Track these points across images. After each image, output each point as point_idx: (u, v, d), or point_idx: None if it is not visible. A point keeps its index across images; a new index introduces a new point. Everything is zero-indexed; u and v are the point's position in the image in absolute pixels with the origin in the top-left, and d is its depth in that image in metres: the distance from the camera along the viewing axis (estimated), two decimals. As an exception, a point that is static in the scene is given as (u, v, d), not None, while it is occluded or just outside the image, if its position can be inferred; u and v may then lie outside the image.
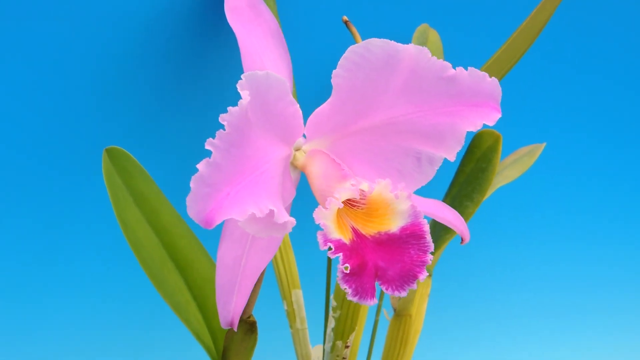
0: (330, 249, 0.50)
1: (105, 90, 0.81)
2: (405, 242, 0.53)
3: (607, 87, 1.27)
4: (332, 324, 0.84)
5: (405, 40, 0.97)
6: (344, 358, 0.85)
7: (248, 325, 0.68)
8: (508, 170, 1.04)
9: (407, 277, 0.52)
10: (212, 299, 0.75)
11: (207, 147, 0.47)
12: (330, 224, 0.51)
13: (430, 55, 0.53)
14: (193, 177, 0.45)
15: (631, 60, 1.28)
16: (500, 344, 1.44)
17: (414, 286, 0.52)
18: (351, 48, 0.53)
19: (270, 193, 0.50)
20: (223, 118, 0.47)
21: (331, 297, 0.85)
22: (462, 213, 0.82)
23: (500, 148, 0.84)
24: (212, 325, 0.75)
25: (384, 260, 0.52)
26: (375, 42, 0.53)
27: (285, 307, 0.91)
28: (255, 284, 0.65)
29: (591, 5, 1.19)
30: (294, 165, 0.57)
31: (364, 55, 0.53)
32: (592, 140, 1.31)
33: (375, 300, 0.51)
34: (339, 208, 0.52)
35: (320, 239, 0.51)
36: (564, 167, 1.29)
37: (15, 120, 0.80)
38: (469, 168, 0.86)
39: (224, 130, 0.47)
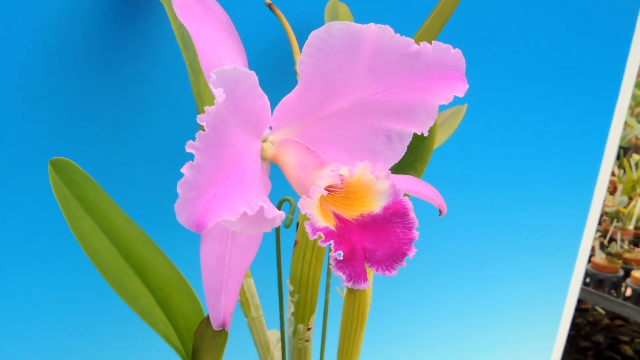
0: (320, 237, 0.50)
1: (38, 100, 0.78)
2: (389, 221, 0.53)
3: (525, 47, 1.31)
4: (291, 308, 0.84)
5: (318, 16, 0.97)
6: (307, 340, 0.86)
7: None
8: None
9: (396, 256, 0.52)
10: (175, 300, 0.74)
11: (187, 149, 0.46)
12: (316, 212, 0.51)
13: (393, 33, 0.53)
14: (179, 183, 0.45)
15: (547, 18, 1.32)
16: (432, 308, 1.47)
17: (404, 264, 0.52)
18: (313, 33, 0.52)
19: (256, 189, 0.50)
20: (201, 119, 0.46)
21: (287, 281, 0.85)
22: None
23: (437, 130, 0.85)
24: (178, 327, 0.74)
25: (371, 241, 0.52)
26: (336, 24, 0.52)
27: (239, 298, 0.90)
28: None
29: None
30: (262, 157, 0.57)
31: (325, 40, 0.52)
32: (513, 98, 1.34)
33: (369, 283, 0.51)
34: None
35: (308, 228, 0.50)
36: (488, 126, 1.31)
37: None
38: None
39: (203, 131, 0.46)
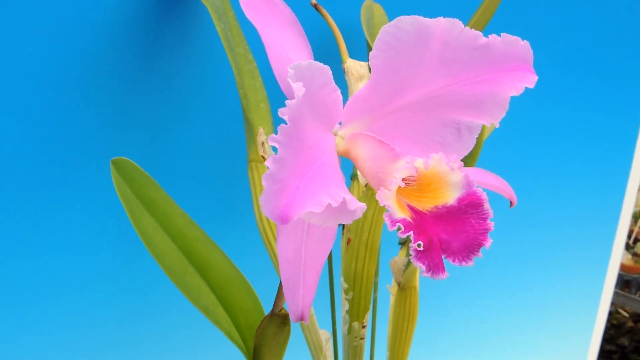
0: (399, 228, 0.51)
1: (103, 101, 0.80)
2: (464, 212, 0.53)
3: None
4: (345, 306, 0.85)
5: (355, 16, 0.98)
6: (361, 338, 0.86)
7: (281, 319, 0.68)
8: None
9: (472, 247, 0.52)
10: (236, 299, 0.74)
11: (270, 143, 0.47)
12: (394, 204, 0.52)
13: (462, 27, 0.53)
14: (264, 176, 0.45)
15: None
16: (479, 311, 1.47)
17: (480, 255, 0.53)
18: (383, 28, 0.53)
19: (337, 181, 0.50)
20: (282, 112, 0.47)
21: (341, 280, 0.86)
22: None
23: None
24: (239, 324, 0.75)
25: (447, 233, 0.52)
26: (405, 19, 0.53)
27: (307, 323, 0.91)
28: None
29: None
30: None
31: (395, 34, 0.53)
32: (546, 96, 1.34)
33: (447, 274, 0.52)
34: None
35: (387, 220, 0.51)
36: (521, 127, 1.32)
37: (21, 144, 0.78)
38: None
39: (285, 124, 0.47)
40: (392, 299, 0.96)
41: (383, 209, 0.85)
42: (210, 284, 0.74)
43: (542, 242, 1.57)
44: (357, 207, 0.50)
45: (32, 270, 0.83)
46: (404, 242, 1.01)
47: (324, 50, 0.94)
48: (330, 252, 0.84)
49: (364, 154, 0.55)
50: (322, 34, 0.92)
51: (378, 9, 1.08)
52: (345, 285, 0.85)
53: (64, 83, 0.78)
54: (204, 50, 0.90)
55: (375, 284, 0.98)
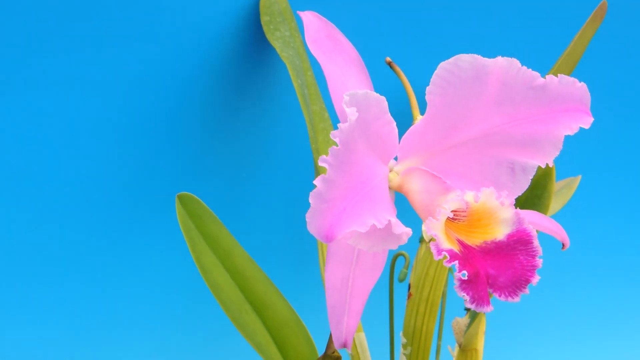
0: (445, 257, 0.51)
1: (163, 133, 0.83)
2: (513, 248, 0.53)
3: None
4: (403, 360, 0.84)
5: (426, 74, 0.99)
6: (417, 394, 0.85)
7: (332, 361, 0.68)
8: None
9: (519, 283, 0.52)
10: (292, 341, 0.75)
11: (320, 164, 0.48)
12: (441, 234, 0.52)
13: (519, 66, 0.54)
14: (311, 194, 0.46)
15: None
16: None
17: (526, 291, 0.52)
18: (441, 65, 0.54)
19: (385, 205, 0.51)
20: (334, 135, 0.48)
21: (400, 334, 0.85)
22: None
23: (554, 174, 0.85)
24: (291, 366, 0.75)
25: (494, 268, 0.52)
26: (463, 57, 0.54)
27: (349, 352, 0.90)
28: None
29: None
30: (388, 187, 0.58)
31: (453, 72, 0.54)
32: (629, 171, 1.33)
33: (492, 308, 0.52)
34: (447, 219, 0.53)
35: (433, 249, 0.51)
36: (602, 198, 1.30)
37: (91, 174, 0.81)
38: (523, 197, 0.87)
39: (336, 147, 0.48)
40: (453, 361, 0.95)
41: (445, 267, 0.85)
42: (266, 324, 0.75)
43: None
44: (403, 231, 0.50)
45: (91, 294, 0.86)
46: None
47: (395, 107, 0.96)
48: (392, 306, 0.84)
49: (416, 187, 0.56)
50: (393, 91, 0.93)
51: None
52: (404, 340, 0.84)
53: (154, 126, 0.83)
54: (281, 105, 0.92)
55: (439, 345, 0.97)
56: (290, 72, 0.83)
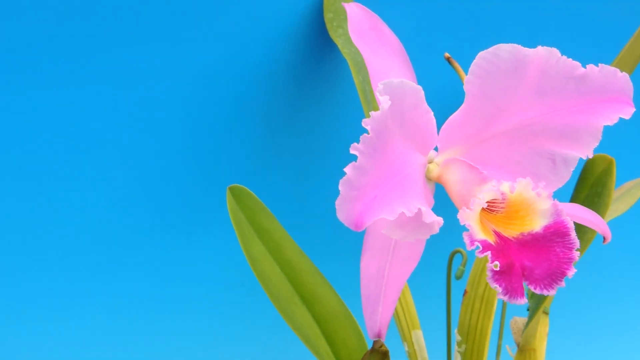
0: (478, 248, 0.50)
1: (226, 129, 0.84)
2: (550, 240, 0.53)
3: None
4: (458, 359, 0.84)
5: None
6: (473, 393, 0.84)
7: (380, 355, 0.68)
8: (617, 203, 1.03)
9: (554, 275, 0.52)
10: (340, 334, 0.75)
11: (351, 151, 0.48)
12: (475, 224, 0.51)
13: (559, 56, 0.53)
14: (341, 181, 0.46)
15: None
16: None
17: (562, 284, 0.52)
18: (480, 54, 0.54)
19: (416, 194, 0.51)
20: (366, 123, 0.48)
21: (454, 331, 0.85)
22: (580, 240, 0.81)
23: (615, 172, 0.83)
24: (340, 358, 0.75)
25: (530, 259, 0.52)
26: (503, 47, 0.53)
27: (406, 349, 0.90)
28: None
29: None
30: (428, 178, 0.58)
31: (492, 61, 0.53)
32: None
33: (525, 300, 0.51)
34: (482, 210, 0.52)
35: (466, 239, 0.51)
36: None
37: (144, 164, 0.83)
38: (583, 194, 0.86)
39: (367, 134, 0.48)
40: (511, 361, 0.94)
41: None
42: (315, 316, 0.75)
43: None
44: (434, 220, 0.50)
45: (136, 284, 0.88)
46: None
47: (453, 103, 0.95)
48: (449, 304, 0.84)
49: (454, 178, 0.56)
50: (451, 86, 0.93)
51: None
52: (459, 338, 0.84)
53: (218, 121, 0.84)
54: (341, 101, 0.93)
55: (499, 345, 0.96)
56: (352, 69, 0.83)
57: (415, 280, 0.88)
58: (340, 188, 0.46)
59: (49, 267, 0.85)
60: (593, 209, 0.80)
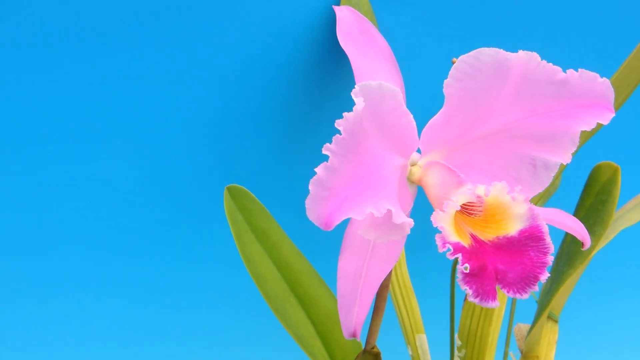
0: (449, 250, 0.51)
1: (224, 129, 0.85)
2: (524, 244, 0.53)
3: None
4: (457, 363, 0.84)
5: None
6: (473, 398, 0.84)
7: (372, 357, 0.69)
8: (630, 213, 1.01)
9: (527, 279, 0.52)
10: (335, 335, 0.76)
11: (324, 152, 0.48)
12: (448, 227, 0.52)
13: (539, 60, 0.53)
14: (311, 181, 0.47)
15: None
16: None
17: (535, 288, 0.52)
18: (461, 58, 0.54)
19: (388, 195, 0.51)
20: (339, 124, 0.49)
21: (456, 336, 0.85)
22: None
23: (620, 180, 0.83)
24: (335, 359, 0.76)
25: (504, 263, 0.52)
26: (485, 51, 0.53)
27: (410, 352, 0.90)
28: (376, 313, 0.65)
29: None
30: (410, 180, 0.58)
31: (474, 65, 0.53)
32: None
33: (497, 303, 0.51)
34: (457, 213, 0.53)
35: (438, 241, 0.51)
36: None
37: (141, 161, 0.84)
38: (588, 202, 0.85)
39: (340, 135, 0.48)
40: (514, 368, 0.94)
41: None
42: (311, 317, 0.76)
43: None
44: (404, 221, 0.50)
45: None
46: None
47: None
48: (453, 309, 0.84)
49: (432, 181, 0.56)
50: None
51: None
52: (459, 342, 0.84)
53: (220, 122, 0.86)
54: (350, 102, 0.93)
55: (505, 352, 0.96)
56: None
57: (420, 284, 0.89)
58: (310, 188, 0.47)
59: (52, 266, 0.87)
60: (598, 217, 0.80)
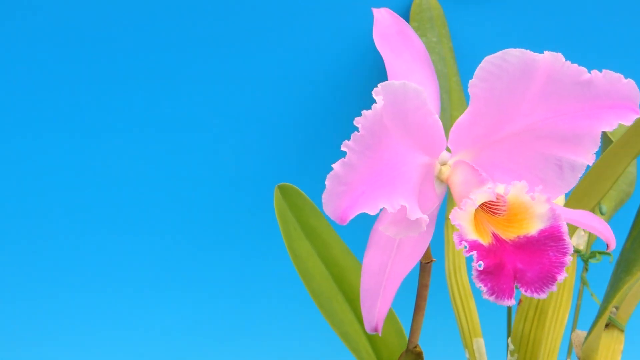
0: (465, 247, 0.51)
1: (276, 128, 0.87)
2: (543, 244, 0.53)
3: None
4: (510, 367, 0.84)
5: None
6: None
7: (414, 356, 0.69)
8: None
9: (545, 279, 0.52)
10: (382, 332, 0.76)
11: (342, 148, 0.49)
12: (466, 225, 0.52)
13: (564, 61, 0.53)
14: (328, 175, 0.48)
15: None
16: None
17: (554, 288, 0.52)
18: (487, 58, 0.54)
19: (405, 192, 0.52)
20: (358, 121, 0.50)
21: (508, 340, 0.85)
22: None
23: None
24: (381, 357, 0.77)
25: (523, 262, 0.52)
26: (512, 51, 0.54)
27: (467, 356, 0.90)
28: (417, 313, 0.66)
29: None
30: (440, 180, 0.59)
31: (500, 65, 0.54)
32: None
33: (513, 301, 0.51)
34: (481, 212, 0.53)
35: (455, 239, 0.52)
36: None
37: (193, 160, 0.87)
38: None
39: (358, 132, 0.49)
40: (574, 375, 0.93)
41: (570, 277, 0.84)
42: (358, 314, 0.77)
43: None
44: (419, 217, 0.51)
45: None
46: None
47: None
48: (510, 313, 0.83)
49: (457, 180, 0.57)
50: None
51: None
52: (512, 347, 0.83)
53: (273, 121, 0.88)
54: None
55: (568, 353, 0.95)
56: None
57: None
58: (327, 183, 0.48)
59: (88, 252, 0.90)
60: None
